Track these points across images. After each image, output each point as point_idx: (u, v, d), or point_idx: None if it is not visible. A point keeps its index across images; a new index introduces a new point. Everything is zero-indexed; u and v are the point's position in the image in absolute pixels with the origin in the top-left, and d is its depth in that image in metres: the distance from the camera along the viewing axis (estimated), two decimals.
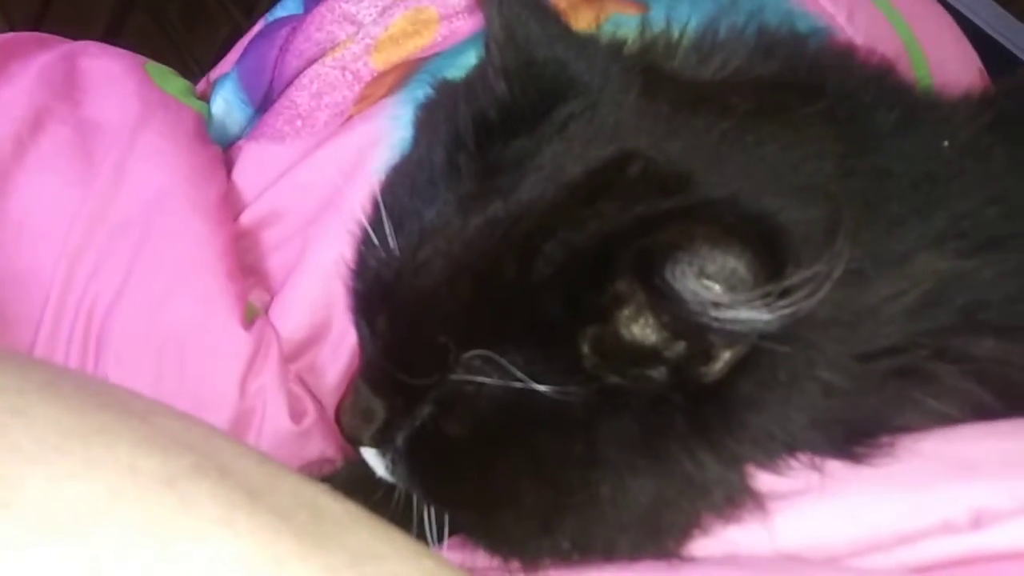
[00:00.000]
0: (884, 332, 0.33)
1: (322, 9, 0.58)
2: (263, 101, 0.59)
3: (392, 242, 0.35)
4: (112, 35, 1.34)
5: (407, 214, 0.36)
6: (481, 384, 0.33)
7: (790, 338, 0.31)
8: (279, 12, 0.63)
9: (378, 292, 0.36)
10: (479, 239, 0.33)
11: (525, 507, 0.34)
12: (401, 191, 0.38)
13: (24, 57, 0.55)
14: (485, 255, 0.33)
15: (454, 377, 0.33)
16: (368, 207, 0.38)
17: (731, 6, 0.43)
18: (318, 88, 0.54)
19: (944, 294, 0.33)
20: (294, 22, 0.60)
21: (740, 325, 0.29)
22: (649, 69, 0.37)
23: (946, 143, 0.37)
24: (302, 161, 0.51)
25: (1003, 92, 0.45)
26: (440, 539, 0.37)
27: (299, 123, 0.54)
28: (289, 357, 0.49)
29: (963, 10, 0.76)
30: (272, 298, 0.51)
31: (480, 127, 0.36)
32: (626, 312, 0.31)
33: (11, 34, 0.58)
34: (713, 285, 0.29)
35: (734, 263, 0.28)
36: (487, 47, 0.37)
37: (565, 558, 0.35)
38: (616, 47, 0.39)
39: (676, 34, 0.40)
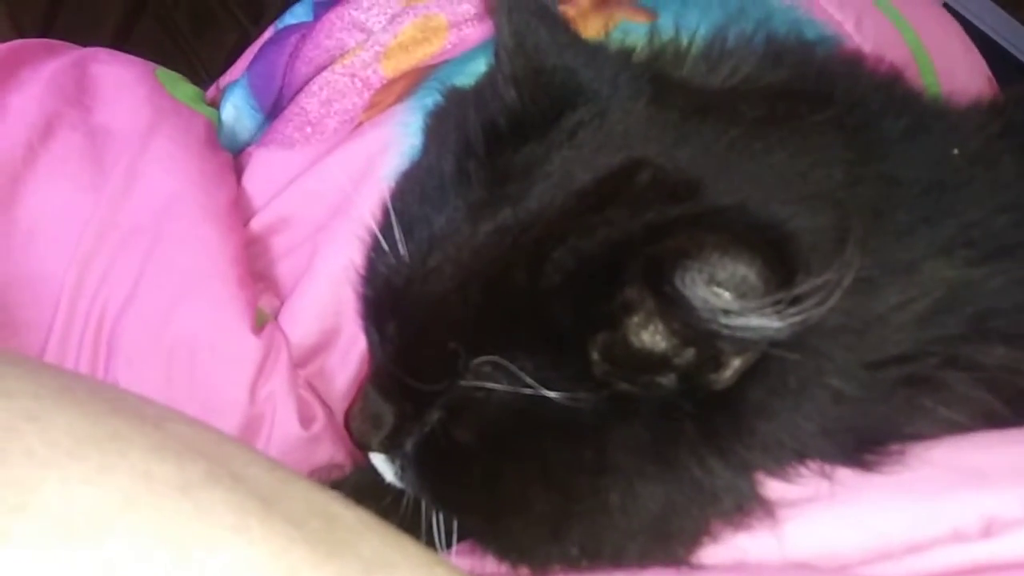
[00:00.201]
0: (894, 340, 0.33)
1: (332, 16, 0.59)
2: (273, 108, 0.59)
3: (402, 248, 0.35)
4: (120, 42, 1.34)
5: (417, 221, 0.36)
6: (491, 390, 0.33)
7: (800, 346, 0.31)
8: (289, 19, 0.64)
9: (388, 298, 0.36)
10: (489, 246, 0.34)
11: (534, 513, 0.34)
12: (411, 198, 0.38)
13: (35, 64, 0.55)
14: (495, 262, 0.33)
15: (464, 383, 0.34)
16: (378, 213, 0.38)
17: (739, 14, 0.43)
18: (328, 95, 0.54)
19: (954, 302, 0.33)
20: (304, 29, 0.60)
21: (750, 333, 0.29)
22: (658, 77, 0.37)
23: (956, 151, 0.37)
24: (312, 168, 0.51)
25: (1012, 100, 0.45)
26: (448, 545, 0.37)
27: (309, 130, 0.54)
28: (298, 363, 0.49)
29: (970, 17, 0.76)
30: (282, 304, 0.51)
31: (490, 134, 0.36)
32: (635, 319, 0.31)
33: (22, 41, 0.58)
34: (723, 292, 0.29)
35: (744, 271, 0.28)
36: (497, 54, 0.37)
37: (574, 564, 0.35)
38: (625, 55, 0.39)
39: (685, 42, 0.40)
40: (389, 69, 0.55)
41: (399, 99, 0.51)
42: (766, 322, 0.29)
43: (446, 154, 0.37)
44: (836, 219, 0.32)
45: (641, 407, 0.32)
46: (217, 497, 0.24)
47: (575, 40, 0.38)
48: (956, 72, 0.55)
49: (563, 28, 0.37)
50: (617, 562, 0.34)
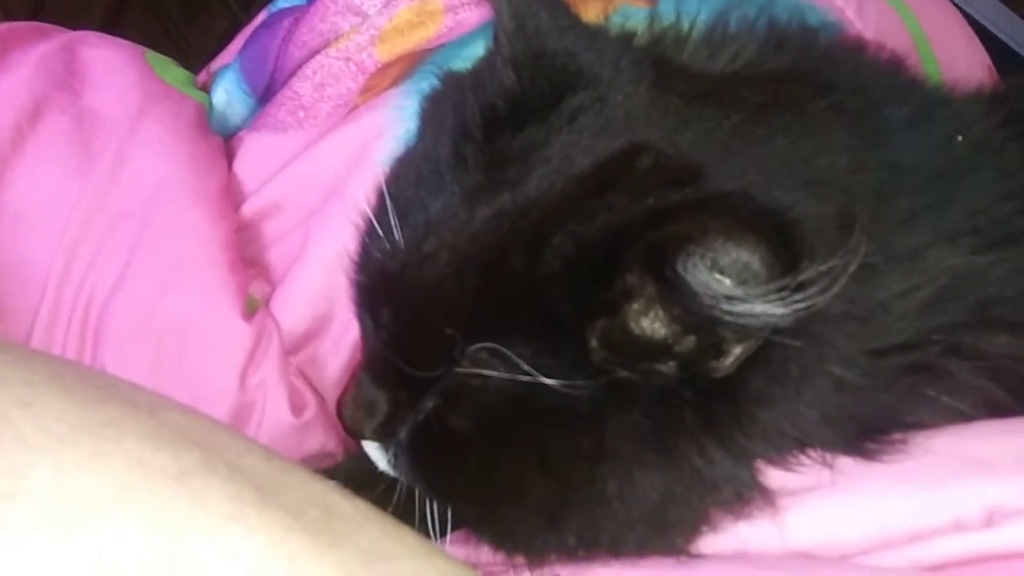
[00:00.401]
0: (896, 328, 0.33)
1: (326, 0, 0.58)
2: (265, 92, 0.58)
3: (397, 234, 0.35)
4: (110, 27, 1.33)
5: (412, 205, 0.35)
6: (487, 377, 0.33)
7: (802, 333, 0.31)
8: (282, 2, 0.63)
9: (382, 284, 0.36)
10: (486, 231, 0.33)
11: (531, 502, 0.34)
12: (406, 182, 0.37)
13: (24, 46, 0.54)
14: (492, 247, 0.33)
15: (459, 370, 0.33)
16: (372, 198, 0.38)
17: (741, 0, 0.43)
18: (321, 79, 0.54)
19: (957, 290, 0.33)
20: (297, 12, 0.59)
21: (752, 320, 0.29)
22: (659, 61, 0.37)
23: (960, 138, 0.37)
24: (304, 152, 0.51)
25: (1015, 88, 0.45)
26: (443, 534, 0.37)
27: (301, 114, 0.53)
28: (290, 350, 0.48)
29: (968, 9, 0.75)
30: (273, 290, 0.50)
31: (488, 118, 0.36)
32: (636, 305, 0.31)
33: (11, 23, 0.57)
34: (725, 279, 0.28)
35: (748, 256, 0.28)
36: (496, 37, 0.36)
37: (571, 554, 0.35)
38: (626, 39, 0.39)
39: (686, 27, 0.40)
40: (384, 53, 0.54)
41: (394, 83, 0.51)
42: (769, 309, 0.28)
43: (443, 138, 0.37)
44: (840, 205, 0.32)
45: (640, 395, 0.32)
46: (213, 486, 0.24)
47: (576, 23, 0.37)
48: (957, 60, 0.54)
49: (564, 11, 0.37)
50: (615, 552, 0.34)
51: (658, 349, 0.31)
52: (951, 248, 0.34)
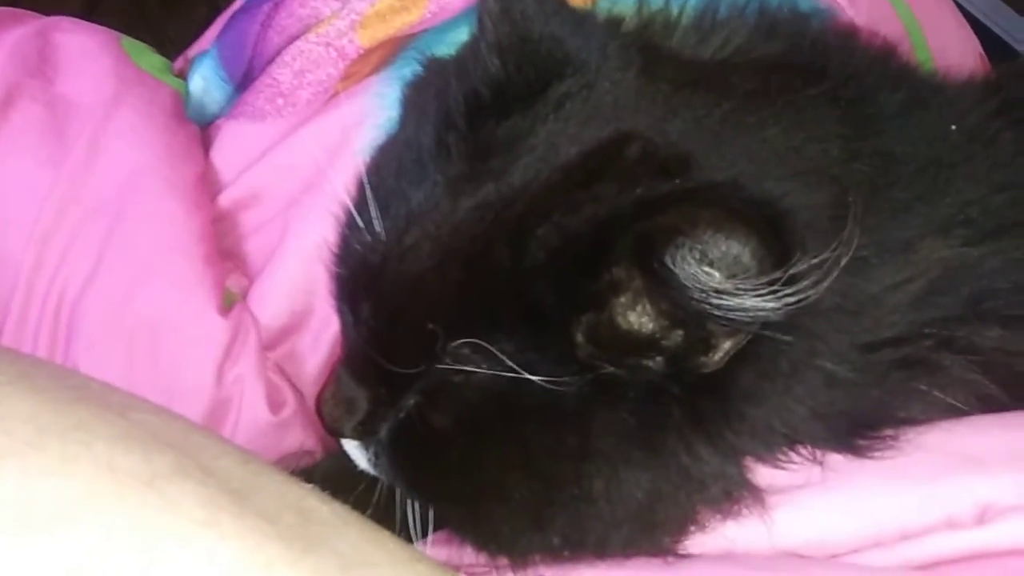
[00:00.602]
0: (888, 321, 0.32)
1: None
2: (243, 79, 0.57)
3: (378, 225, 0.34)
4: (87, 13, 1.31)
5: (393, 196, 0.35)
6: (470, 373, 0.32)
7: (792, 327, 0.30)
8: None
9: (363, 277, 0.35)
10: (469, 223, 0.33)
11: (514, 501, 0.33)
12: (387, 172, 0.37)
13: None
14: (475, 239, 0.32)
15: (441, 366, 0.33)
16: (353, 189, 0.37)
17: None
18: (301, 65, 0.52)
19: (950, 283, 0.33)
20: None
21: (742, 314, 0.29)
22: (648, 47, 0.36)
23: (953, 127, 0.36)
24: (283, 141, 0.50)
25: (1008, 77, 0.44)
26: (424, 535, 0.36)
27: (280, 101, 0.52)
28: (268, 345, 0.48)
29: (962, 1, 0.75)
30: (251, 283, 0.49)
31: (472, 105, 0.35)
32: (623, 299, 0.31)
33: None
34: (715, 272, 0.28)
35: (738, 249, 0.27)
36: (480, 21, 0.36)
37: (555, 555, 0.34)
38: (614, 24, 0.38)
39: (675, 12, 0.39)
40: (366, 38, 0.53)
41: (376, 70, 0.50)
42: (759, 303, 0.28)
43: (425, 126, 0.36)
44: (832, 196, 0.32)
45: (627, 391, 0.32)
46: (186, 490, 0.24)
47: (562, 8, 0.36)
48: (949, 48, 0.54)
49: None
50: (601, 552, 0.34)
51: (645, 344, 0.31)
52: (944, 240, 0.33)
